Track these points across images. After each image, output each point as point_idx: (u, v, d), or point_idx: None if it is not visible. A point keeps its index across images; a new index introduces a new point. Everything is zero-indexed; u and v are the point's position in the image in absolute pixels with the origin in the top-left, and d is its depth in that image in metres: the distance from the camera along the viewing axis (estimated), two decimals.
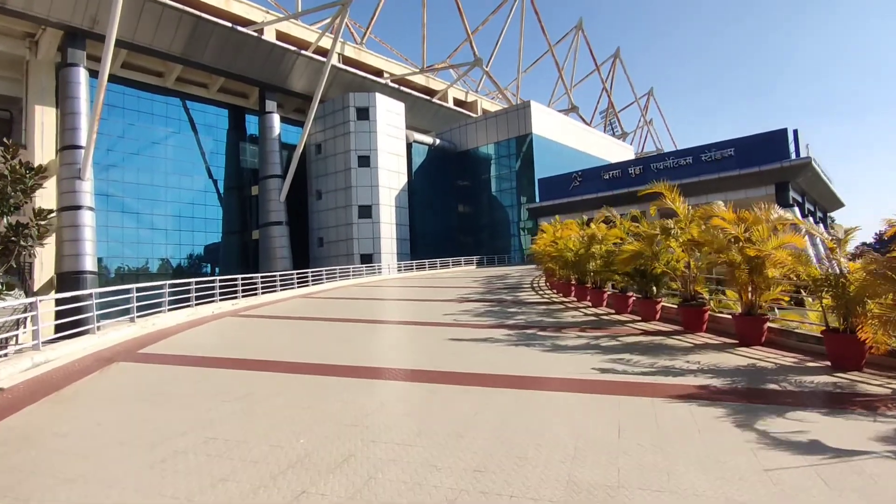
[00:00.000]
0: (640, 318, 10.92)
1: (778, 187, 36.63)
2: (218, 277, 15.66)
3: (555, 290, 17.77)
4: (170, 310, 13.05)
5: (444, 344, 8.93)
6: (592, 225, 13.40)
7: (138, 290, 11.57)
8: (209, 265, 48.54)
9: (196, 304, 14.49)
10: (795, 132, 36.27)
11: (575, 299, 14.93)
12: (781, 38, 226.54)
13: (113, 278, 40.66)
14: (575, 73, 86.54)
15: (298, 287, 22.07)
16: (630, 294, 11.91)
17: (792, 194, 36.75)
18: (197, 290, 14.65)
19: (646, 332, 9.37)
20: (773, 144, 36.12)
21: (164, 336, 10.54)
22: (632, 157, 68.61)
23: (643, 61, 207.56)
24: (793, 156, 35.86)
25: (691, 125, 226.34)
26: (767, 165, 35.75)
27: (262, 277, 18.71)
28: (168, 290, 13.21)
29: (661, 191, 11.13)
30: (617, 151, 67.09)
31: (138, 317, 11.26)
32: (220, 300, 15.80)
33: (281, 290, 20.26)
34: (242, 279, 17.35)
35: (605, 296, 13.15)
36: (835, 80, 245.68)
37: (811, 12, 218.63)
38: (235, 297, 16.77)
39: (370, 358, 8.08)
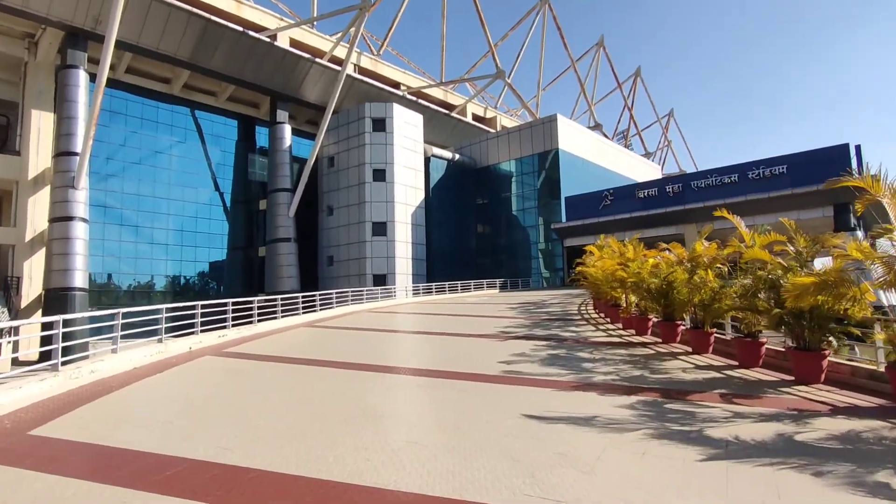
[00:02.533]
0: (794, 380, 7.53)
1: (837, 209, 33.13)
2: (200, 303, 12.44)
3: (619, 325, 14.40)
4: (144, 340, 9.89)
5: (524, 426, 5.51)
6: (698, 245, 10.04)
7: (99, 318, 8.43)
8: (213, 283, 45.66)
9: (172, 336, 11.32)
10: (858, 147, 32.89)
11: (658, 340, 11.56)
12: (803, 63, 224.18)
13: (106, 295, 37.81)
14: (596, 92, 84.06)
15: (304, 312, 18.86)
16: (787, 346, 8.40)
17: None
18: (175, 318, 11.50)
19: (849, 412, 5.99)
20: (832, 161, 32.66)
21: (90, 396, 7.19)
22: (659, 176, 65.33)
23: (661, 81, 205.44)
24: (855, 174, 32.32)
25: (712, 147, 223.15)
26: (826, 184, 32.21)
27: (259, 302, 15.50)
28: (140, 315, 10.09)
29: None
30: (644, 170, 63.84)
31: (66, 362, 7.99)
32: (204, 331, 12.62)
33: (283, 315, 17.06)
34: (235, 304, 14.15)
35: (712, 339, 9.77)
36: (861, 105, 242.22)
37: (831, 37, 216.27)
38: (224, 328, 13.55)
39: (407, 466, 4.58)
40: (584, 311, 18.48)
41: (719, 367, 8.58)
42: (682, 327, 11.12)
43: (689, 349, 10.14)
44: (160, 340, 10.60)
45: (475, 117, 63.95)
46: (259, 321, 15.43)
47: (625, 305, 13.75)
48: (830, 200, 33.15)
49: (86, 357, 8.69)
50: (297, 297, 18.44)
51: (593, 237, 43.98)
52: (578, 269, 22.00)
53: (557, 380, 7.75)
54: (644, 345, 11.06)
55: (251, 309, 15.11)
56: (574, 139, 51.52)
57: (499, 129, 61.76)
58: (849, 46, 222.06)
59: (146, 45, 36.35)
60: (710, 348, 9.77)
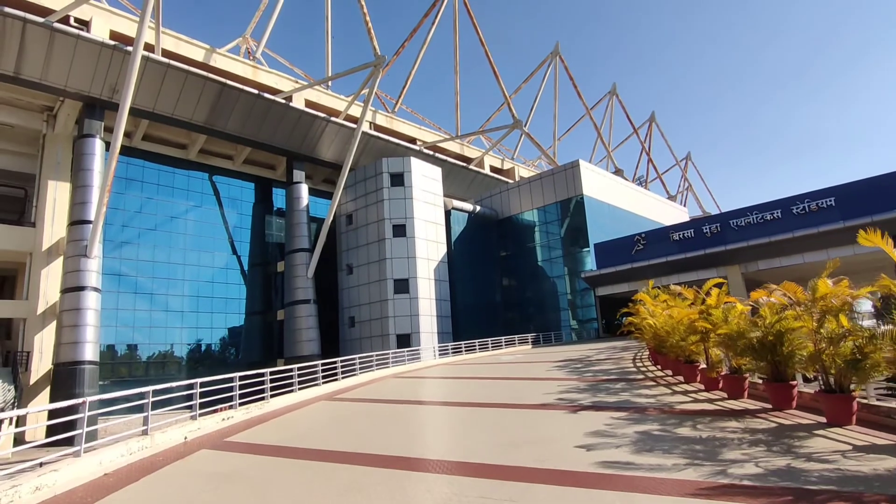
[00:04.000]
0: None
1: None
2: (199, 380, 10.42)
3: (699, 385, 12.04)
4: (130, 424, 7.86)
5: None
6: (821, 283, 7.82)
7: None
8: (232, 349, 43.84)
9: (160, 426, 9.29)
10: None
11: (764, 405, 9.22)
12: (817, 106, 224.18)
13: (120, 368, 36.13)
14: (611, 139, 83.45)
15: (324, 382, 16.73)
16: None
17: None
18: (174, 398, 9.51)
19: None
20: (885, 190, 30.40)
21: None
22: (686, 219, 63.07)
23: (677, 128, 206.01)
24: None
25: (732, 190, 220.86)
26: (882, 215, 29.78)
27: (272, 374, 13.45)
28: (139, 395, 8.11)
29: None
30: (672, 213, 61.74)
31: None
32: (204, 413, 10.59)
33: (300, 388, 14.96)
34: (244, 379, 12.14)
35: (855, 406, 7.44)
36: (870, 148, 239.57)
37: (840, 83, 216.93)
38: (231, 407, 11.50)
39: None
40: (644, 368, 16.04)
41: (889, 447, 6.26)
42: (797, 388, 8.81)
43: (823, 419, 7.79)
44: (145, 432, 8.55)
45: (493, 169, 63.15)
46: (272, 396, 13.35)
47: (708, 363, 11.41)
48: (888, 233, 30.57)
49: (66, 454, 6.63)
50: (315, 366, 16.35)
51: (627, 284, 41.75)
52: (629, 319, 19.73)
53: (676, 477, 5.51)
54: (751, 413, 8.72)
55: (262, 383, 13.06)
56: (598, 184, 49.96)
57: (517, 179, 60.61)
58: (863, 88, 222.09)
59: (162, 111, 36.14)
60: (854, 418, 7.43)
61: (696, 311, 11.15)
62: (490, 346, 33.43)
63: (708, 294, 11.36)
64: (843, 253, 32.66)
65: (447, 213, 47.37)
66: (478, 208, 51.88)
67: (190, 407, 13.07)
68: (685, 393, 11.25)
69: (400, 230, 41.79)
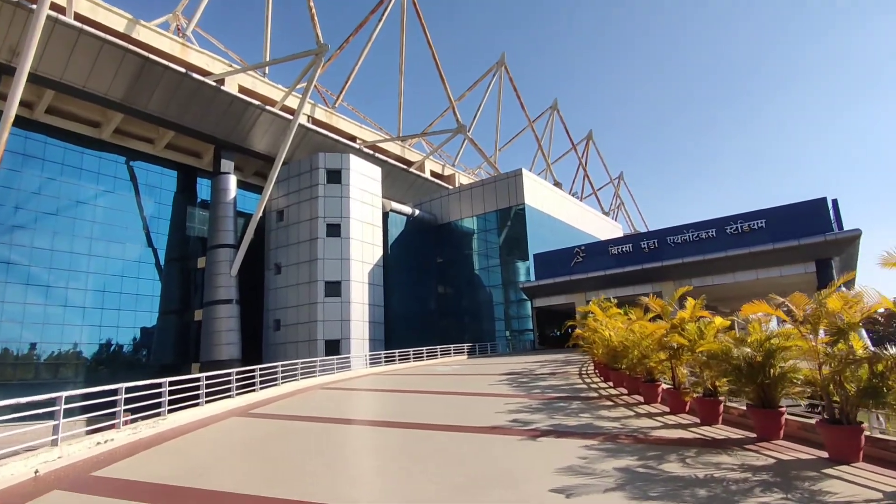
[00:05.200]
0: None
1: (819, 264, 31.58)
2: (64, 394, 8.12)
3: (664, 407, 10.98)
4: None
5: None
6: (831, 300, 6.78)
7: None
8: (144, 351, 39.84)
9: (16, 451, 7.05)
10: (835, 202, 31.84)
11: (747, 433, 8.19)
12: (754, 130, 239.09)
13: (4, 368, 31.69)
14: (550, 153, 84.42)
15: (239, 393, 14.51)
16: None
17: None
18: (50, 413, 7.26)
19: None
20: (811, 215, 31.45)
21: None
22: (621, 235, 64.27)
23: (610, 147, 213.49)
24: (834, 228, 31.18)
25: (659, 211, 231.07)
26: (809, 239, 30.79)
27: (172, 385, 11.21)
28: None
29: None
30: (608, 229, 62.79)
31: None
32: (71, 436, 8.34)
33: (207, 401, 12.75)
34: (132, 391, 9.90)
35: (863, 440, 6.42)
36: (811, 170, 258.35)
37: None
38: (114, 426, 9.26)
39: None
40: (595, 385, 14.93)
41: None
42: (785, 416, 7.80)
43: (821, 453, 6.74)
44: None
45: (434, 174, 61.87)
46: (172, 410, 11.12)
47: (675, 382, 10.33)
48: (812, 256, 31.70)
49: None
50: (229, 374, 14.11)
51: (564, 296, 41.38)
52: (577, 332, 18.74)
53: None
54: (737, 444, 7.59)
55: (160, 394, 10.80)
56: (539, 195, 49.70)
57: (457, 186, 59.61)
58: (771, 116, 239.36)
59: (71, 82, 32.34)
60: (861, 454, 6.41)
61: (665, 325, 10.06)
62: (425, 355, 31.82)
63: (680, 306, 10.32)
64: (771, 274, 33.62)
65: (385, 215, 45.51)
66: (417, 212, 50.31)
67: (111, 415, 10.70)
68: (650, 416, 10.12)
69: (334, 230, 39.51)
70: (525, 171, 48.23)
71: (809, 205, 32.07)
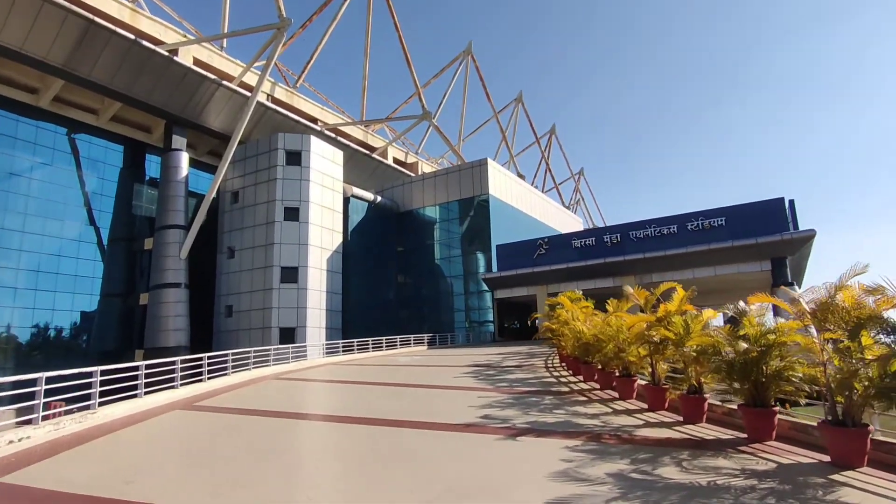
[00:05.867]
0: None
1: (774, 262, 32.30)
2: None
3: (640, 403, 10.51)
4: None
5: None
6: (846, 293, 6.28)
7: None
8: (85, 336, 37.38)
9: None
10: (792, 202, 32.60)
11: (732, 432, 7.75)
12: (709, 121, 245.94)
13: None
14: (514, 145, 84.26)
15: (183, 384, 13.30)
16: None
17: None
18: None
19: None
20: (769, 215, 32.09)
21: None
22: (580, 228, 64.71)
23: (572, 141, 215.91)
24: (790, 227, 31.89)
25: (617, 207, 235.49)
26: (766, 237, 31.40)
27: (105, 372, 9.97)
28: None
29: None
30: (570, 223, 63.08)
31: None
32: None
33: (147, 392, 11.54)
34: (53, 380, 8.70)
35: (868, 443, 5.99)
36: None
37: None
38: (31, 422, 8.05)
39: None
40: (564, 379, 14.41)
41: None
42: (778, 415, 7.36)
43: (822, 456, 6.30)
44: None
45: (396, 161, 60.57)
46: (103, 404, 9.90)
47: (654, 378, 9.84)
48: (768, 254, 32.36)
49: None
50: (173, 363, 12.87)
51: (526, 288, 41.09)
52: (546, 324, 18.25)
53: None
54: (729, 445, 7.08)
55: (91, 383, 9.56)
56: (503, 185, 49.25)
57: (420, 174, 58.62)
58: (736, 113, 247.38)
59: (6, 43, 29.70)
60: (866, 458, 5.97)
61: (650, 318, 9.53)
62: (384, 345, 30.90)
63: (663, 299, 9.82)
64: (729, 270, 34.17)
65: (346, 201, 44.11)
66: (378, 199, 49.08)
67: (31, 409, 9.39)
68: (629, 412, 9.60)
69: (292, 213, 37.96)
70: (490, 161, 47.66)
71: (767, 204, 32.69)
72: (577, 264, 37.36)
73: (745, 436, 7.51)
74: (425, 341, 35.76)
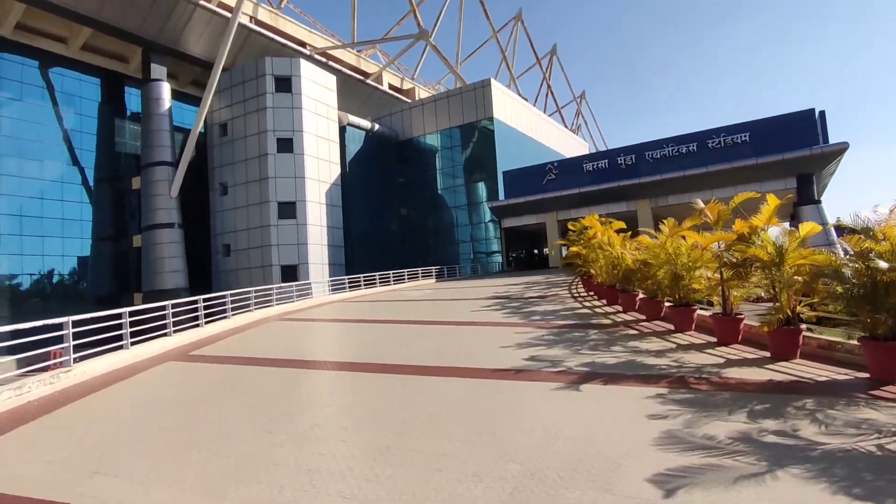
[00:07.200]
0: None
1: (800, 179, 30.39)
2: None
3: (706, 335, 9.11)
4: None
5: None
6: None
7: None
8: (82, 282, 36.11)
9: None
10: (823, 114, 30.24)
11: (844, 372, 6.32)
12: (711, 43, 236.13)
13: None
14: (514, 67, 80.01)
15: (176, 331, 11.90)
16: None
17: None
18: None
19: None
20: (797, 128, 29.86)
21: None
22: (586, 152, 62.18)
23: (572, 65, 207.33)
24: (820, 141, 29.77)
25: (624, 129, 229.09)
26: (795, 153, 29.36)
27: (77, 322, 8.50)
28: None
29: None
30: (574, 146, 60.48)
31: None
32: None
33: (134, 342, 10.13)
34: (25, 332, 7.23)
35: None
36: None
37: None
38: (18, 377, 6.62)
39: None
40: (599, 309, 12.99)
41: None
42: None
43: None
44: None
45: (392, 87, 57.22)
46: (79, 359, 8.48)
47: (729, 309, 8.36)
48: (793, 171, 30.43)
49: None
50: (163, 308, 11.41)
51: (535, 216, 39.29)
52: (573, 249, 16.70)
53: None
54: (859, 389, 5.65)
55: (73, 335, 8.09)
56: (508, 108, 46.50)
57: (418, 100, 55.49)
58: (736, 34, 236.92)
59: None
60: None
61: (730, 236, 7.94)
62: (392, 279, 29.60)
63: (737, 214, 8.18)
64: (752, 189, 32.25)
65: (342, 130, 41.61)
66: (376, 127, 46.45)
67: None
68: (697, 348, 8.18)
69: (286, 145, 35.67)
70: (494, 82, 44.70)
71: (796, 116, 30.41)
72: (589, 189, 35.46)
73: (865, 375, 6.06)
74: (433, 274, 34.48)
